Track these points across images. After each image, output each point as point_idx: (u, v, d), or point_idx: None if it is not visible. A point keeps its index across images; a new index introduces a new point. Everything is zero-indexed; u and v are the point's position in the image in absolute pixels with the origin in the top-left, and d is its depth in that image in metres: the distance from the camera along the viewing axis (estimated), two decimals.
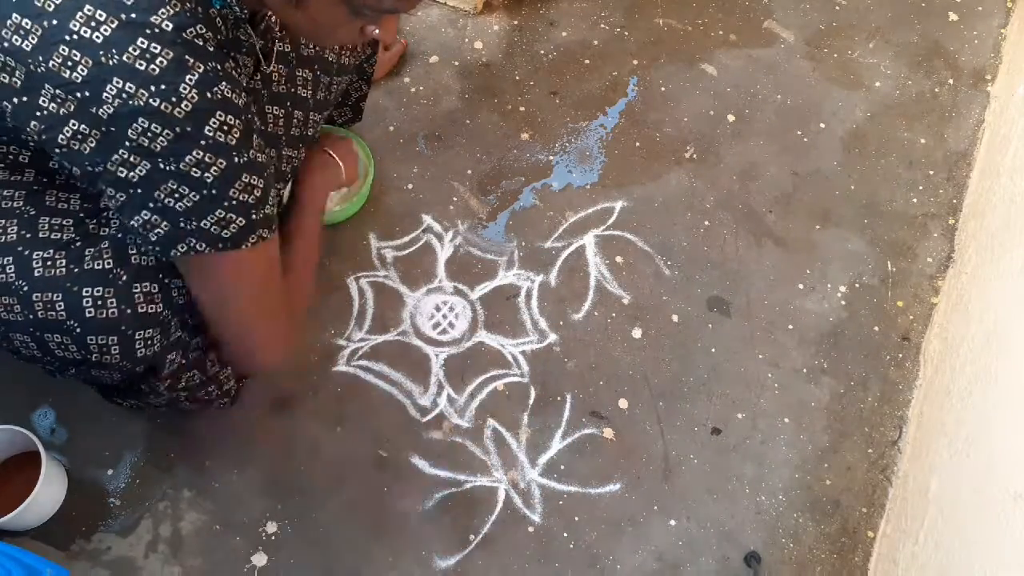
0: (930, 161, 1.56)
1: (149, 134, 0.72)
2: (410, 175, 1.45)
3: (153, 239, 0.78)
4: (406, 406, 1.25)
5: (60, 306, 0.87)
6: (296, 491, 1.18)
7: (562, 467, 1.23)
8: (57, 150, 0.74)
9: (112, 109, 0.71)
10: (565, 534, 1.18)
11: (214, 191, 0.76)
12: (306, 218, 1.09)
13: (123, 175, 0.74)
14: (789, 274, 1.42)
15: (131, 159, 0.73)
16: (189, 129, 0.73)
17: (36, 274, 0.87)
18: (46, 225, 0.89)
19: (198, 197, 0.76)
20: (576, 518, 1.19)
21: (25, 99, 0.72)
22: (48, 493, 1.10)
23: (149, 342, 0.92)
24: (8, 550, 0.97)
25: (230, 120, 0.75)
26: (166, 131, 0.72)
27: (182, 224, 0.77)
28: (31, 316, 0.87)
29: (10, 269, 0.87)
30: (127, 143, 0.72)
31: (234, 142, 0.76)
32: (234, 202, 0.78)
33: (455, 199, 1.43)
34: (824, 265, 1.43)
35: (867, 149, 1.57)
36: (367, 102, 1.41)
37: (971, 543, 0.97)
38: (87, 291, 0.87)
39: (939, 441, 1.16)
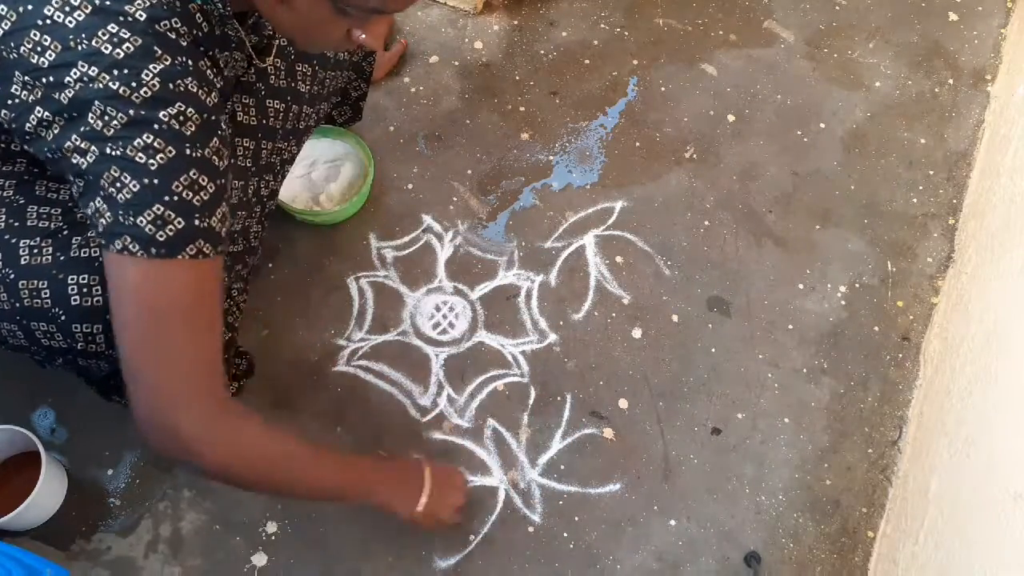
0: (930, 161, 1.56)
1: (105, 118, 0.70)
2: (410, 175, 1.45)
3: (100, 230, 0.74)
4: (406, 406, 1.25)
5: (46, 294, 0.86)
6: None
7: (562, 467, 1.23)
8: (26, 138, 0.74)
9: (72, 93, 0.70)
10: (565, 534, 1.18)
11: (156, 180, 0.71)
12: (362, 465, 1.01)
13: (76, 161, 0.72)
14: (789, 274, 1.42)
15: (83, 145, 0.71)
16: (144, 113, 0.70)
17: (23, 262, 0.86)
18: (34, 214, 0.88)
19: (138, 187, 0.71)
20: (576, 518, 1.19)
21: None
22: (48, 493, 1.10)
23: None
24: (8, 550, 0.97)
25: (189, 112, 0.73)
26: (120, 115, 0.70)
27: (121, 217, 0.72)
28: (17, 304, 0.87)
29: None
30: (83, 128, 0.71)
31: (189, 133, 0.73)
32: (175, 198, 0.72)
33: (455, 199, 1.43)
34: (824, 265, 1.43)
35: (867, 149, 1.57)
36: (367, 102, 1.41)
37: (971, 543, 0.97)
38: (72, 279, 0.86)
39: (939, 441, 1.16)
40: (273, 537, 1.14)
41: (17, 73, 0.71)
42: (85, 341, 0.89)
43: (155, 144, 0.71)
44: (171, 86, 0.72)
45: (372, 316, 1.32)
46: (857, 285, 1.42)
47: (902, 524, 1.16)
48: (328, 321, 1.30)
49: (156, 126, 0.71)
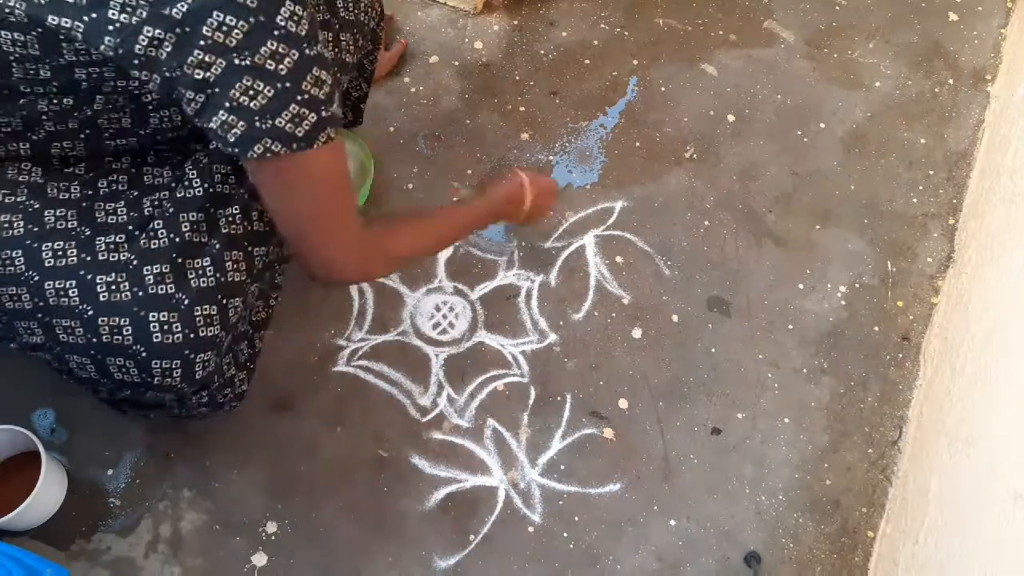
0: (930, 161, 1.56)
1: (224, 28, 0.70)
2: (410, 175, 1.45)
3: (232, 140, 0.76)
4: (406, 406, 1.25)
5: (127, 331, 0.87)
6: (296, 491, 1.18)
7: (562, 467, 1.23)
8: (135, 61, 0.73)
9: (186, 7, 0.70)
10: (565, 534, 1.18)
11: (287, 84, 0.74)
12: (459, 210, 1.14)
13: (200, 76, 0.72)
14: (789, 274, 1.42)
15: (207, 58, 0.72)
16: (262, 19, 0.72)
17: (102, 299, 0.87)
18: (103, 245, 0.89)
19: (272, 92, 0.74)
20: (576, 518, 1.19)
21: (94, 15, 0.71)
22: (48, 493, 1.10)
23: (206, 364, 0.93)
24: (8, 550, 0.97)
25: (298, 11, 0.74)
26: (240, 23, 0.71)
27: (258, 123, 0.75)
28: (94, 339, 0.88)
29: (73, 293, 0.87)
30: (202, 42, 0.71)
31: (304, 33, 0.75)
32: (306, 96, 0.76)
33: (455, 199, 1.43)
34: (824, 265, 1.43)
35: (867, 149, 1.57)
36: (367, 103, 1.41)
37: (971, 543, 0.97)
38: (153, 316, 0.88)
39: (939, 441, 1.16)
40: (273, 537, 1.14)
41: None
42: (162, 376, 0.90)
43: (279, 50, 0.73)
44: None
45: (372, 316, 1.32)
46: (857, 285, 1.42)
47: (902, 524, 1.16)
48: (328, 321, 1.30)
49: (276, 32, 0.72)
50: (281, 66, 0.73)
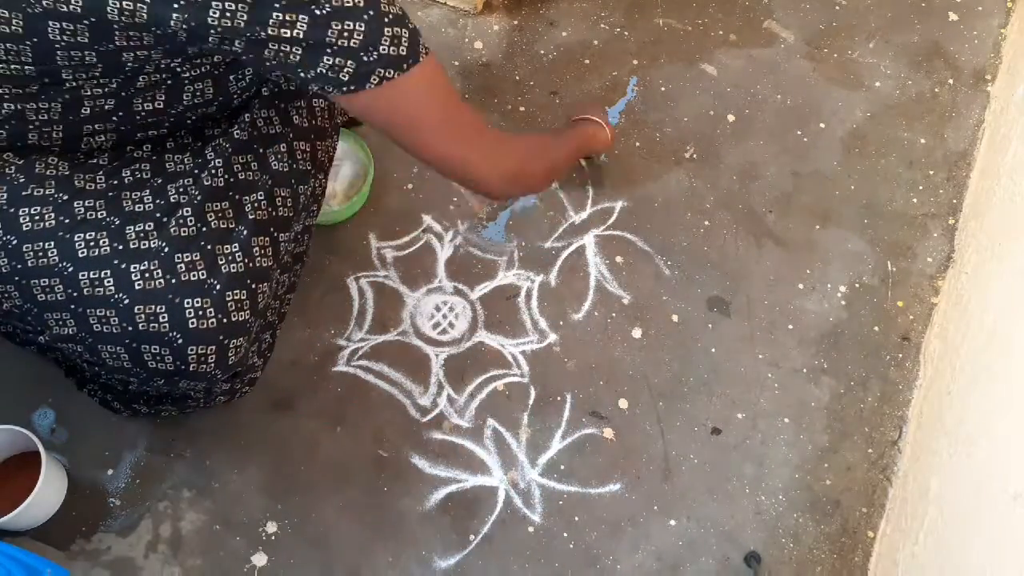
0: (930, 161, 1.56)
1: None
2: (410, 175, 1.45)
3: (345, 79, 0.78)
4: (406, 406, 1.25)
5: (164, 318, 0.88)
6: (296, 491, 1.18)
7: (562, 467, 1.23)
8: (211, 33, 0.73)
9: None
10: (565, 534, 1.18)
11: (371, 12, 0.76)
12: (571, 140, 1.26)
13: (287, 34, 0.74)
14: (789, 274, 1.42)
15: (288, 17, 0.73)
16: None
17: (137, 287, 0.88)
18: (133, 234, 0.90)
19: (363, 26, 0.76)
20: (576, 518, 1.19)
21: None
22: (48, 493, 1.10)
23: (238, 350, 0.94)
24: (8, 550, 0.97)
25: None
26: None
27: (364, 57, 0.77)
28: (130, 328, 0.88)
29: (108, 282, 0.88)
30: (277, 3, 0.72)
31: None
32: (391, 16, 0.78)
33: (455, 199, 1.43)
34: (824, 265, 1.43)
35: (867, 149, 1.57)
36: None
37: (971, 543, 0.97)
38: (188, 303, 0.89)
39: (939, 441, 1.16)
40: (273, 537, 1.14)
41: None
42: (197, 362, 0.91)
43: None
44: None
45: (372, 316, 1.32)
46: (857, 285, 1.42)
47: (902, 524, 1.16)
48: (328, 321, 1.30)
49: None
50: (358, 0, 0.75)
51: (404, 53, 0.79)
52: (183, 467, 1.18)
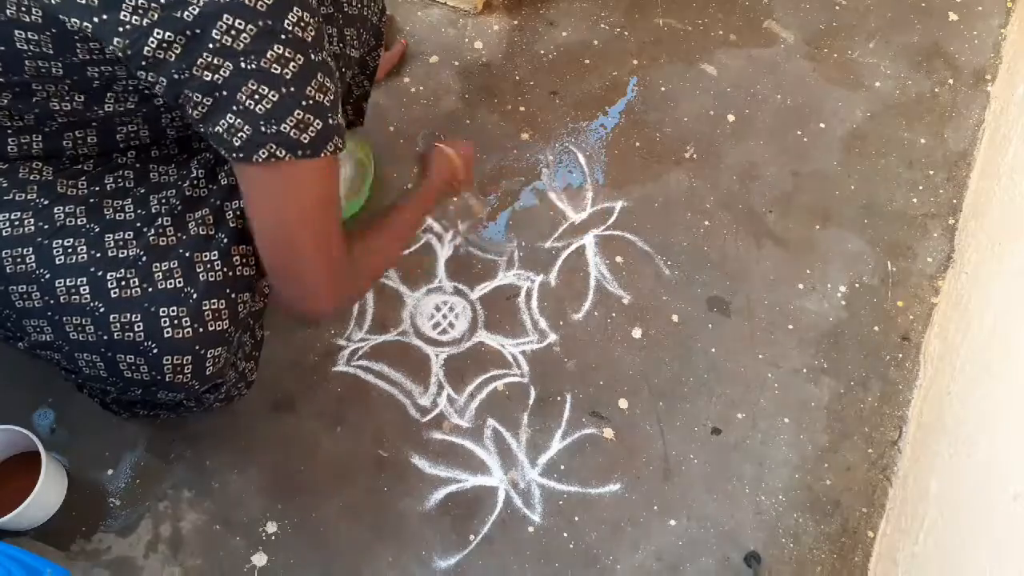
0: (930, 161, 1.56)
1: (233, 32, 0.71)
2: (410, 175, 1.45)
3: (237, 144, 0.76)
4: (406, 406, 1.25)
5: (139, 327, 0.87)
6: (296, 491, 1.18)
7: (562, 467, 1.23)
8: (143, 63, 0.73)
9: (197, 10, 0.70)
10: (565, 534, 1.18)
11: (292, 88, 0.75)
12: (409, 206, 1.09)
13: (208, 78, 0.73)
14: (789, 274, 1.42)
15: (215, 61, 0.72)
16: (271, 23, 0.72)
17: (112, 295, 0.87)
18: (111, 242, 0.89)
19: (277, 96, 0.74)
20: (576, 518, 1.19)
21: (105, 17, 0.72)
22: (48, 493, 1.10)
23: (216, 360, 0.92)
24: (8, 550, 0.97)
25: (306, 17, 0.75)
26: (249, 26, 0.72)
27: (263, 128, 0.75)
28: (105, 337, 0.87)
29: (84, 290, 0.87)
30: (211, 45, 0.72)
31: (310, 39, 0.76)
32: (311, 102, 0.76)
33: (455, 199, 1.43)
34: (824, 265, 1.43)
35: (867, 149, 1.57)
36: (368, 101, 1.41)
37: (971, 543, 0.97)
38: (163, 311, 0.87)
39: (939, 441, 1.16)
40: (273, 537, 1.14)
41: (126, 1, 0.71)
42: (173, 373, 0.90)
43: (286, 54, 0.74)
44: None
45: (372, 316, 1.32)
46: (857, 285, 1.42)
47: (902, 524, 1.16)
48: (328, 321, 1.30)
49: (283, 36, 0.73)
50: (286, 70, 0.74)
51: (304, 141, 0.77)
52: (183, 467, 1.18)
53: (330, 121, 0.79)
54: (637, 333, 1.34)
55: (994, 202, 1.37)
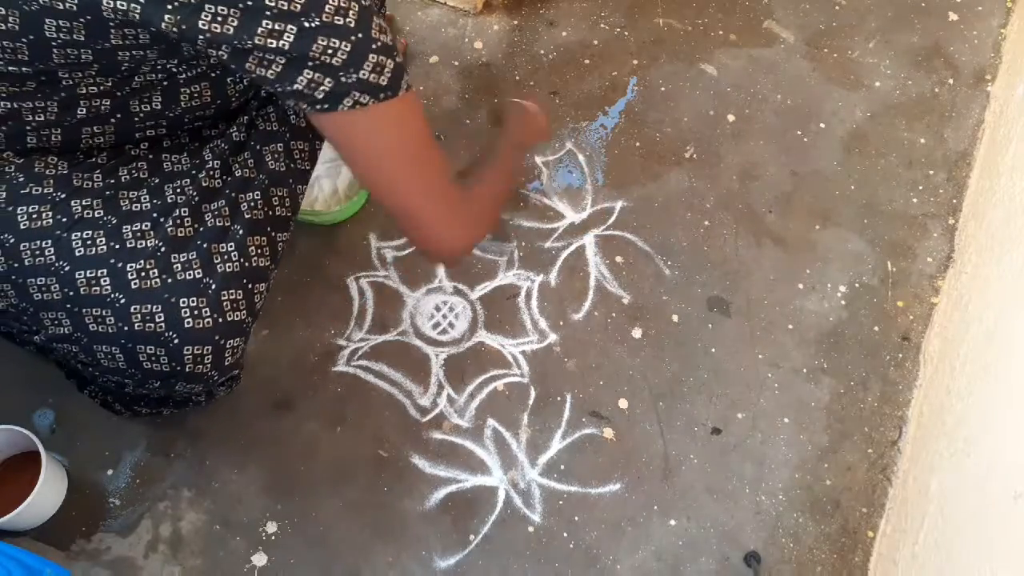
0: (930, 161, 1.56)
1: None
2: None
3: (320, 97, 0.77)
4: (406, 406, 1.25)
5: (160, 318, 0.87)
6: (296, 491, 1.18)
7: (562, 467, 1.23)
8: (200, 37, 0.73)
9: None
10: (565, 534, 1.18)
11: (360, 35, 0.75)
12: (497, 163, 1.08)
13: (274, 44, 0.73)
14: (789, 274, 1.42)
15: (276, 27, 0.72)
16: None
17: (133, 286, 0.87)
18: (129, 233, 0.89)
19: (348, 46, 0.75)
20: (576, 518, 1.19)
21: None
22: (48, 493, 1.10)
23: (235, 351, 0.93)
24: (8, 550, 0.97)
25: None
26: None
27: (343, 77, 0.76)
28: (126, 328, 0.88)
29: (104, 281, 0.87)
30: (268, 12, 0.71)
31: None
32: (379, 44, 0.77)
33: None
34: (824, 265, 1.43)
35: (867, 149, 1.57)
36: None
37: (971, 543, 0.97)
38: (184, 302, 0.88)
39: (939, 441, 1.16)
40: (273, 537, 1.14)
41: None
42: (193, 363, 0.90)
43: (342, 4, 0.74)
44: None
45: (372, 316, 1.32)
46: (857, 285, 1.42)
47: (902, 524, 1.16)
48: (328, 321, 1.30)
49: None
50: (349, 19, 0.74)
51: (384, 83, 0.78)
52: (183, 467, 1.18)
53: (398, 59, 0.79)
54: (637, 333, 1.34)
55: (994, 202, 1.37)
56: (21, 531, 1.10)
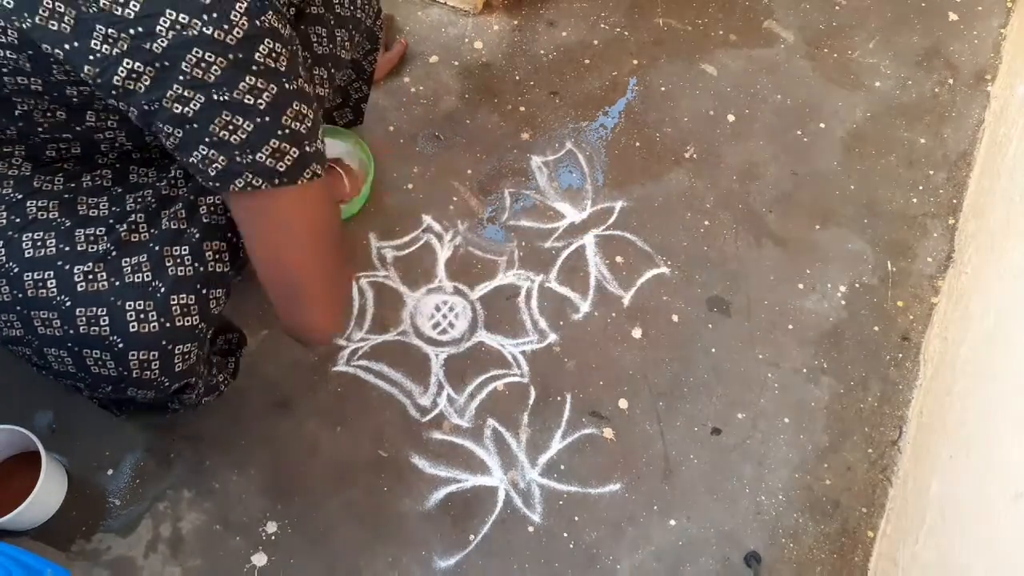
0: (930, 161, 1.56)
1: (203, 64, 0.71)
2: (410, 175, 1.45)
3: (212, 174, 0.76)
4: (406, 406, 1.25)
5: (104, 321, 0.86)
6: (296, 491, 1.18)
7: (562, 467, 1.23)
8: (113, 92, 0.73)
9: (166, 42, 0.70)
10: (565, 534, 1.18)
11: (267, 118, 0.74)
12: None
13: (179, 111, 0.72)
14: (789, 274, 1.42)
15: (186, 93, 0.71)
16: (241, 56, 0.72)
17: (79, 289, 0.86)
18: (82, 236, 0.88)
19: (252, 127, 0.74)
20: (576, 518, 1.19)
21: (76, 44, 0.71)
22: (48, 493, 1.10)
23: (186, 357, 0.91)
24: (8, 550, 0.97)
25: (278, 47, 0.74)
26: (219, 59, 0.71)
27: (238, 158, 0.75)
28: (71, 331, 0.86)
29: (51, 284, 0.86)
30: (181, 77, 0.71)
31: (283, 68, 0.75)
32: (287, 131, 0.76)
33: (455, 199, 1.43)
34: (824, 265, 1.43)
35: (867, 149, 1.57)
36: (367, 103, 1.41)
37: (971, 543, 0.97)
38: (129, 305, 0.86)
39: (939, 441, 1.16)
40: (273, 537, 1.14)
41: (98, 27, 0.70)
42: (140, 369, 0.88)
43: (258, 85, 0.73)
44: (257, 23, 0.72)
45: (372, 316, 1.32)
46: (857, 285, 1.42)
47: (902, 524, 1.16)
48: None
49: (255, 67, 0.73)
50: (260, 101, 0.73)
51: (281, 169, 0.77)
52: (183, 467, 1.18)
53: (307, 148, 0.78)
54: (637, 333, 1.34)
55: (994, 202, 1.37)
56: (21, 531, 1.10)
